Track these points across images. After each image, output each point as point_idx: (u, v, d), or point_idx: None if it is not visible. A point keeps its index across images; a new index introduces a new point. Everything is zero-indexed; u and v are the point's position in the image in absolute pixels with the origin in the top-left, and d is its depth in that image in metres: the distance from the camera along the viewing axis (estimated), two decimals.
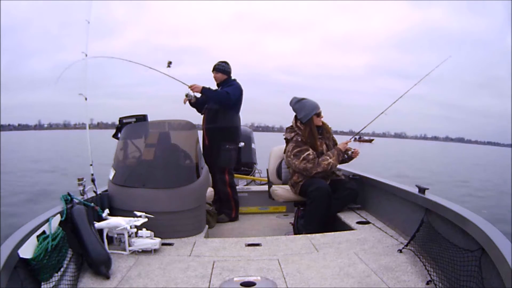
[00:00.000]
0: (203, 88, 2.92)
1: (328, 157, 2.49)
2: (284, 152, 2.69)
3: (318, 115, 2.57)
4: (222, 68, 3.04)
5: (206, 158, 2.82)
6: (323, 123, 2.65)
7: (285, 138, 2.69)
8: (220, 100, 2.92)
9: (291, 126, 2.65)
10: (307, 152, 2.48)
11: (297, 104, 2.59)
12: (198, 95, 3.00)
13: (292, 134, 2.60)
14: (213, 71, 3.06)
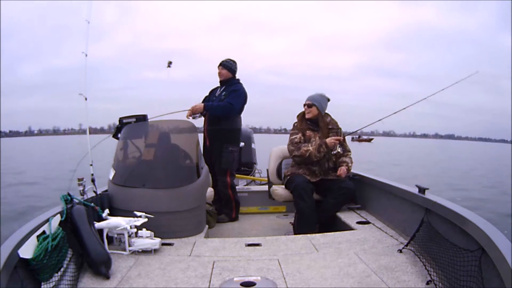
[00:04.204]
0: (205, 106, 2.88)
1: (309, 145, 2.57)
2: None
3: (306, 105, 2.71)
4: (229, 66, 2.99)
5: (206, 159, 2.78)
6: (331, 119, 2.76)
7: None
8: (225, 112, 2.88)
9: None
10: (295, 136, 2.67)
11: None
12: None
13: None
14: (219, 66, 3.00)
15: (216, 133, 2.92)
